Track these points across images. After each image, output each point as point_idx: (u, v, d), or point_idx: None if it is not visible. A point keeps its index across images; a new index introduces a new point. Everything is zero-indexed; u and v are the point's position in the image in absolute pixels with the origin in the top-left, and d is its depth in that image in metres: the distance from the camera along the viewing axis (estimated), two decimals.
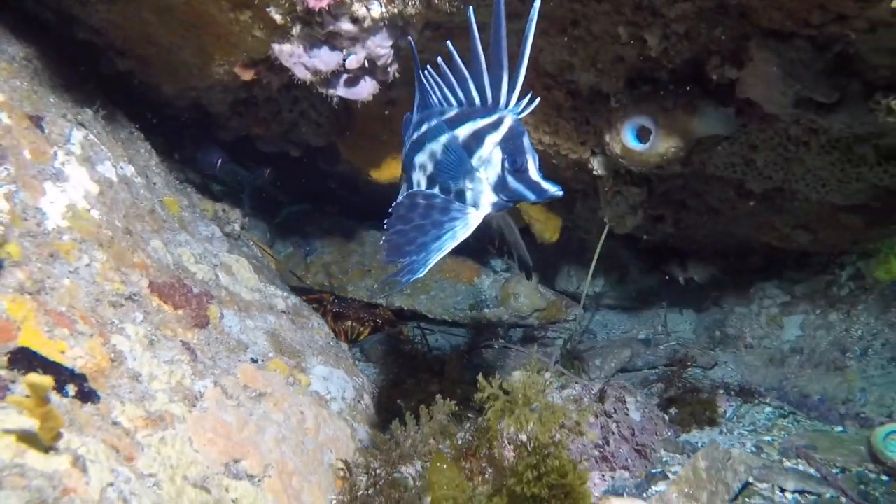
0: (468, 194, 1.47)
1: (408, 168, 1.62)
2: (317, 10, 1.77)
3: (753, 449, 2.28)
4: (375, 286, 3.99)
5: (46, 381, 1.04)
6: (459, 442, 1.69)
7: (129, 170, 2.29)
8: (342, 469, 1.73)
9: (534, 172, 1.39)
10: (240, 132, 3.11)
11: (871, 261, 2.95)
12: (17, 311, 1.33)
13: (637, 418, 2.32)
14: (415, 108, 1.61)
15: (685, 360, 2.89)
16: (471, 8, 1.39)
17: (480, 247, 4.03)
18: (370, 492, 1.60)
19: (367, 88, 1.98)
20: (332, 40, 1.86)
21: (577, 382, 2.52)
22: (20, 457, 1.03)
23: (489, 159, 1.42)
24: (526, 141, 1.40)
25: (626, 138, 1.93)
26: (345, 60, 1.87)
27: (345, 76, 1.94)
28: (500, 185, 1.42)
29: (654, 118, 1.97)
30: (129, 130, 2.81)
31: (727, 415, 2.64)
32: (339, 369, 2.32)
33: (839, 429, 2.50)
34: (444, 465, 1.50)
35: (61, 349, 1.36)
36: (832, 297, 3.04)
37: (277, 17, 1.87)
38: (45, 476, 1.03)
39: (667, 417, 2.51)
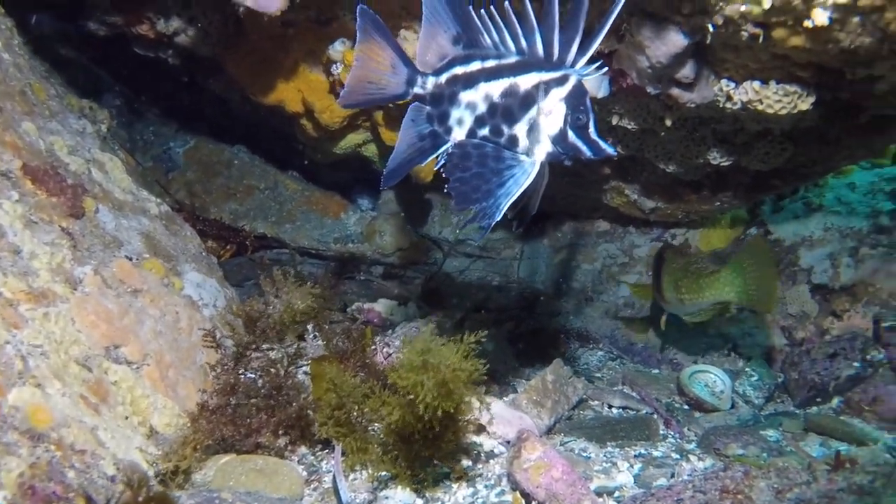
0: (522, 141, 1.52)
1: (444, 102, 1.61)
2: None
3: (587, 382, 2.61)
4: (240, 206, 3.95)
5: None
6: (334, 343, 1.81)
7: None
8: (207, 338, 1.78)
9: (593, 131, 1.47)
10: (116, 29, 2.94)
11: (696, 232, 3.39)
12: None
13: (490, 348, 2.56)
14: (446, 41, 1.60)
15: (534, 303, 3.19)
16: None
17: None
18: (242, 362, 1.68)
19: (276, 3, 1.98)
20: None
21: (438, 314, 2.72)
22: None
23: (551, 111, 1.48)
24: (589, 101, 1.47)
25: None
26: None
27: None
28: (559, 138, 1.49)
29: None
30: None
31: (566, 354, 2.97)
32: (211, 278, 2.34)
33: (656, 371, 2.91)
34: (325, 363, 1.62)
35: None
36: None
37: None
38: None
39: (515, 351, 2.78)
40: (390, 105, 2.77)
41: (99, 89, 3.83)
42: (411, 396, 1.45)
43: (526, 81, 1.50)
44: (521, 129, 1.52)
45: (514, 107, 1.52)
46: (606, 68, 1.52)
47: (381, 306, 3.02)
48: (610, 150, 1.49)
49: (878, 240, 2.78)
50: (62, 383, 1.31)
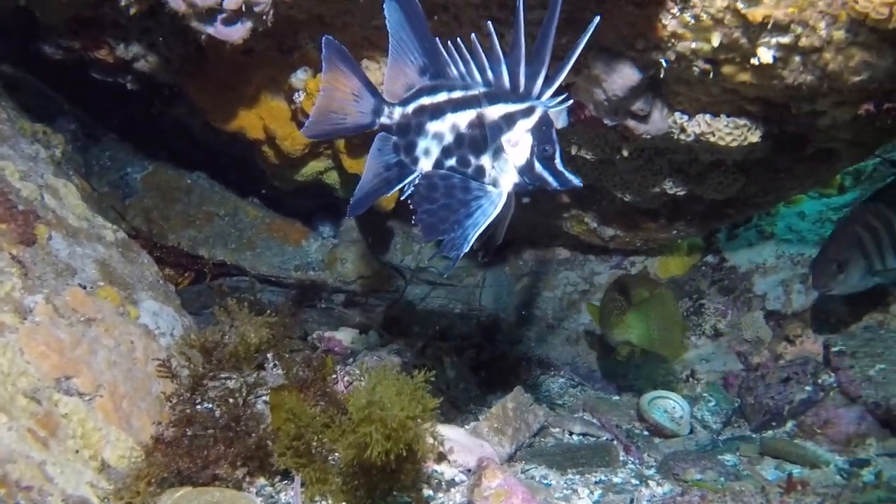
0: (489, 172, 1.52)
1: (410, 133, 1.60)
2: None
3: (548, 409, 2.62)
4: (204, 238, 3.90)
5: None
6: (294, 372, 1.79)
7: None
8: (161, 368, 1.74)
9: (559, 162, 1.48)
10: (73, 53, 2.90)
11: (655, 260, 3.46)
12: None
13: (452, 376, 2.56)
14: (412, 71, 1.59)
15: (496, 330, 3.21)
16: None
17: None
18: (198, 392, 1.64)
19: (239, 32, 1.98)
20: None
21: (400, 342, 2.71)
22: None
23: (517, 142, 1.48)
24: (555, 132, 1.48)
25: None
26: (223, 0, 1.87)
27: (221, 15, 1.93)
28: (525, 169, 1.49)
29: None
30: None
31: (528, 381, 2.98)
32: (169, 307, 2.29)
33: (616, 397, 2.95)
34: (286, 392, 1.60)
35: None
36: None
37: None
38: None
39: (476, 379, 2.79)
40: None
41: (53, 113, 3.76)
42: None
43: (492, 112, 1.50)
44: (487, 160, 1.52)
45: (480, 137, 1.52)
46: (572, 101, 1.54)
47: (342, 335, 2.99)
48: (576, 181, 1.50)
49: None
50: (8, 417, 1.27)
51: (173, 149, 4.11)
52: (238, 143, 3.28)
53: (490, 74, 1.52)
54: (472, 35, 1.54)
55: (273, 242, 4.00)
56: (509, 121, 1.49)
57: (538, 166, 1.49)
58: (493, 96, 1.51)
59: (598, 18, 1.44)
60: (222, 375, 1.73)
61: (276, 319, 1.85)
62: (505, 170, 1.51)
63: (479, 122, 1.51)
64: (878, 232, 2.54)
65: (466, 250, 1.46)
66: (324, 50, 1.61)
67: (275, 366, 2.23)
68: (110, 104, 3.63)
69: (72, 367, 1.56)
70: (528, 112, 1.48)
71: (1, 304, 1.50)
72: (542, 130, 1.47)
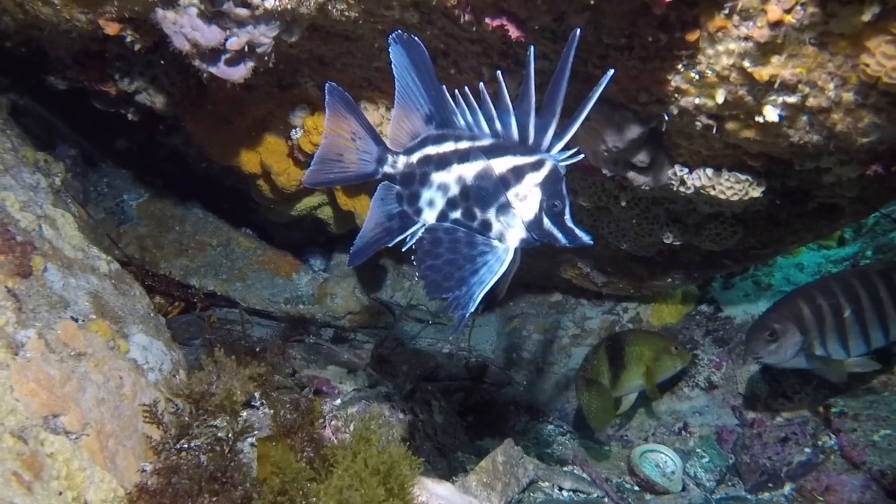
0: (495, 226, 1.47)
1: (414, 183, 1.55)
2: None
3: (536, 458, 2.58)
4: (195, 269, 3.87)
5: None
6: (282, 415, 1.76)
7: None
8: (146, 413, 1.70)
9: (569, 218, 1.43)
10: (76, 83, 2.91)
11: (647, 307, 3.45)
12: None
13: (440, 421, 2.53)
14: (418, 119, 1.55)
15: (484, 373, 3.18)
16: (532, 47, 1.40)
17: None
18: (184, 441, 1.60)
19: (240, 72, 1.98)
20: (220, 19, 1.86)
21: (388, 382, 2.68)
22: None
23: (525, 197, 1.44)
24: (564, 187, 1.43)
25: None
26: (226, 41, 1.88)
27: (224, 55, 1.94)
28: (533, 224, 1.44)
29: None
30: None
31: (516, 427, 2.95)
32: (158, 341, 2.26)
33: (606, 447, 2.91)
34: (273, 443, 1.57)
35: None
36: None
37: None
38: None
39: (464, 424, 2.75)
40: None
41: (54, 139, 3.76)
42: None
43: (501, 165, 1.46)
44: (493, 214, 1.47)
45: (488, 191, 1.47)
46: (583, 155, 1.50)
47: (330, 374, 2.95)
48: (586, 239, 1.44)
49: None
50: None
51: (169, 176, 4.11)
52: (233, 174, 3.29)
53: (498, 125, 1.48)
54: (481, 84, 1.51)
55: (264, 274, 3.98)
56: (518, 174, 1.44)
57: (547, 222, 1.44)
58: (502, 148, 1.47)
59: (611, 72, 1.40)
60: (209, 423, 1.69)
61: (264, 370, 1.80)
62: (512, 225, 1.46)
63: (485, 175, 1.47)
64: (821, 311, 2.43)
65: (473, 310, 1.40)
66: (327, 97, 1.57)
67: (262, 404, 2.19)
68: (110, 131, 3.63)
69: (60, 404, 1.53)
70: (537, 165, 1.43)
71: None
72: (552, 185, 1.43)
